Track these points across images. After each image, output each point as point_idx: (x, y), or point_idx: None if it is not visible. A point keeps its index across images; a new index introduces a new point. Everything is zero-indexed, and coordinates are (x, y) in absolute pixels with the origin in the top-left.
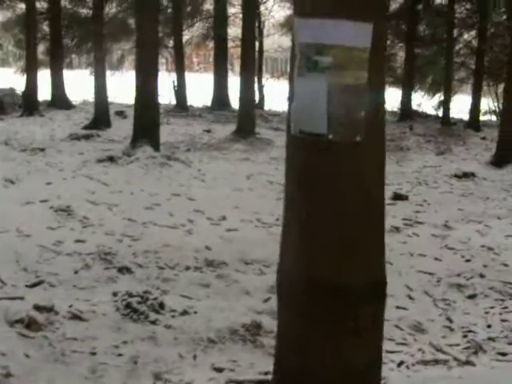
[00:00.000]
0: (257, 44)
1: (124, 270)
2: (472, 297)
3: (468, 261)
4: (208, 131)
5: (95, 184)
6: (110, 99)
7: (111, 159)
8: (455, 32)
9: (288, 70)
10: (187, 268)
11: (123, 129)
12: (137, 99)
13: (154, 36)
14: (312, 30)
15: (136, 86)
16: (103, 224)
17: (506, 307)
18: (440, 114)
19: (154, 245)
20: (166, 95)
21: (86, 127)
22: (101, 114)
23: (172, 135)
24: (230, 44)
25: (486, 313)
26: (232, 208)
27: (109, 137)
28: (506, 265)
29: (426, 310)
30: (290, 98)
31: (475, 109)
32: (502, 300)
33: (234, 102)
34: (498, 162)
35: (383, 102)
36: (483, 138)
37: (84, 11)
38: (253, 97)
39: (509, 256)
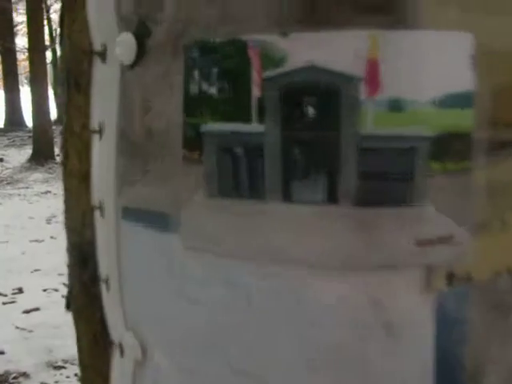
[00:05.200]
0: (51, 54)
1: None
2: None
3: None
4: (0, 160)
5: None
6: None
7: None
8: None
9: None
10: None
11: None
12: None
13: None
14: None
15: None
16: None
17: None
18: None
19: None
20: None
21: None
22: None
23: None
24: (22, 56)
25: None
26: (30, 272)
27: None
28: None
29: None
30: None
31: None
32: None
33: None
34: None
35: None
36: None
37: None
38: (49, 114)
39: None
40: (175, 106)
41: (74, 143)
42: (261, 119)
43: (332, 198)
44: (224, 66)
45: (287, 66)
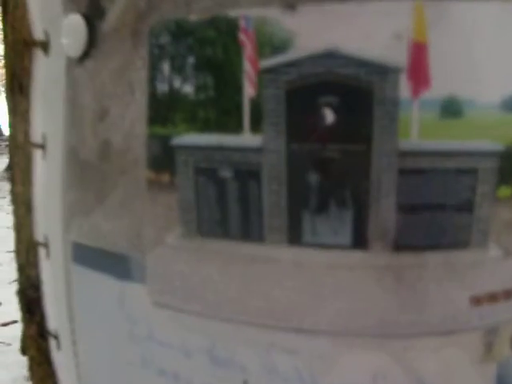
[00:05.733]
0: None
1: None
2: None
3: None
4: None
5: None
6: None
7: None
8: None
9: None
10: None
11: None
12: None
13: None
14: None
15: None
16: None
17: None
18: None
19: None
20: None
21: None
22: None
23: None
24: None
25: None
26: (8, 283)
27: None
28: None
29: None
30: None
31: None
32: None
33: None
34: None
35: None
36: None
37: None
38: None
39: None
40: (137, 112)
41: (18, 160)
42: (256, 128)
43: (361, 240)
44: (204, 54)
45: (294, 52)
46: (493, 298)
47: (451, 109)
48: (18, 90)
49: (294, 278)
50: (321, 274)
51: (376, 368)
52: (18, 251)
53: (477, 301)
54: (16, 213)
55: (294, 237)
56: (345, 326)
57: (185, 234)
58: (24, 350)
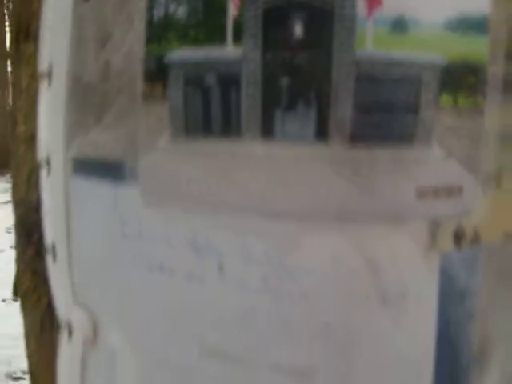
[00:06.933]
0: None
1: None
2: None
3: None
4: None
5: None
6: None
7: None
8: None
9: None
10: None
11: None
12: None
13: None
14: None
15: None
16: None
17: None
18: None
19: None
20: None
21: None
22: None
23: None
24: None
25: None
26: None
27: None
28: None
29: None
30: None
31: None
32: None
33: None
34: None
35: None
36: None
37: None
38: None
39: None
40: (136, 36)
41: (21, 105)
42: (237, 41)
43: (322, 133)
44: None
45: None
46: (436, 193)
47: (400, 26)
48: (24, 37)
49: (266, 169)
50: (289, 165)
51: (335, 251)
52: (15, 187)
53: (422, 194)
54: (16, 153)
55: (267, 132)
56: (308, 212)
57: (174, 136)
58: (16, 291)
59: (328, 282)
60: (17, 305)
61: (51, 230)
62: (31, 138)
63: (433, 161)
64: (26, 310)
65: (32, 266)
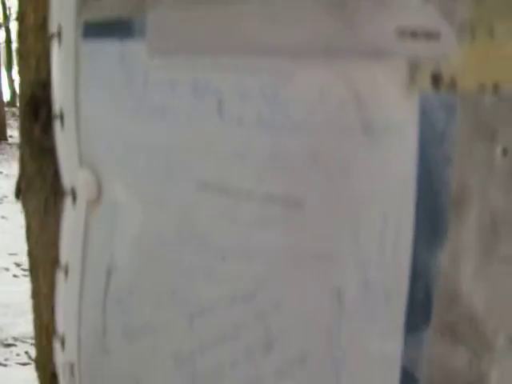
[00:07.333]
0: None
1: None
2: None
3: None
4: None
5: None
6: None
7: None
8: None
9: None
10: None
11: None
12: None
13: None
14: None
15: None
16: None
17: None
18: None
19: None
20: None
21: None
22: None
23: None
24: None
25: None
26: None
27: None
28: None
29: None
30: None
31: None
32: None
33: None
34: None
35: None
36: None
37: None
38: (1, 94)
39: None
40: None
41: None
42: None
43: None
44: None
45: None
46: (414, 34)
47: None
48: None
49: (261, 11)
50: (282, 4)
51: (323, 84)
52: (22, 75)
53: (401, 33)
54: (24, 43)
55: None
56: (300, 48)
57: None
58: (18, 194)
59: (317, 113)
60: (7, 274)
61: (60, 97)
62: (41, 27)
63: (413, 4)
64: (30, 195)
65: (38, 144)
